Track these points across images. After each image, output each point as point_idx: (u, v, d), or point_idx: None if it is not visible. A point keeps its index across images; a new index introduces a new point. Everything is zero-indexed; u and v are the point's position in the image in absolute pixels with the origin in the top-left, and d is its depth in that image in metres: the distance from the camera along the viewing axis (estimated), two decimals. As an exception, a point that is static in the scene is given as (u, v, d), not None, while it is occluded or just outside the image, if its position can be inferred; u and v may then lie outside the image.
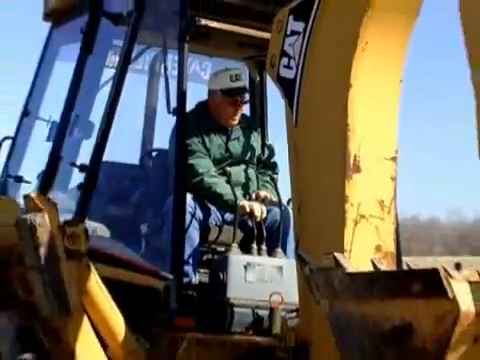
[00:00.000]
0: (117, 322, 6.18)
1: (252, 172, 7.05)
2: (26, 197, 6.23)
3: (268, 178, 7.08)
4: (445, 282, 4.07)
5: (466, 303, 4.01)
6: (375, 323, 4.39)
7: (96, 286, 6.14)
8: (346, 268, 4.78)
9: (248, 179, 6.99)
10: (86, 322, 6.08)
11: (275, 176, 7.08)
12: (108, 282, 6.52)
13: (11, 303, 6.49)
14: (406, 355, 4.23)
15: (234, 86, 7.08)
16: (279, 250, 6.67)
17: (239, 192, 6.83)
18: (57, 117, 7.50)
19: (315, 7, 5.53)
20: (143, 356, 6.29)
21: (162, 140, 7.57)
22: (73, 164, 7.33)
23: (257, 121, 7.74)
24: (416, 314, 4.21)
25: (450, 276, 4.08)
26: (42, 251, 5.80)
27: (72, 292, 5.96)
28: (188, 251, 6.56)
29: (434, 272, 4.13)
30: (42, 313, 6.08)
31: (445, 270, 4.10)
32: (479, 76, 4.50)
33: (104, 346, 6.19)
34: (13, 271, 6.22)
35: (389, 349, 4.31)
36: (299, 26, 5.68)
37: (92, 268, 6.17)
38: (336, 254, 4.88)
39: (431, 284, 4.13)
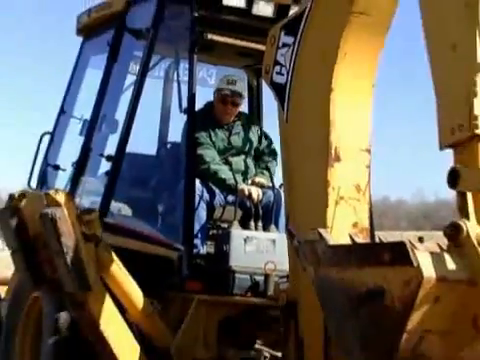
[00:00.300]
0: (134, 292, 6.25)
1: (250, 161, 7.07)
2: (47, 194, 6.33)
3: (264, 166, 7.09)
4: (410, 252, 4.12)
5: (428, 270, 4.05)
6: (352, 286, 4.42)
7: (114, 263, 6.21)
8: (328, 241, 4.83)
9: (247, 167, 7.02)
10: (105, 294, 6.17)
11: (270, 165, 7.13)
12: (130, 253, 6.60)
13: (43, 281, 6.56)
14: (378, 313, 4.24)
15: (226, 87, 7.10)
16: (273, 226, 6.71)
17: (239, 178, 6.86)
18: (88, 115, 7.55)
19: (302, 24, 5.58)
20: (158, 319, 6.36)
21: (175, 134, 7.60)
22: (101, 155, 7.39)
23: (255, 118, 7.76)
24: (386, 279, 4.25)
25: (415, 247, 4.13)
26: (63, 239, 5.91)
27: (91, 271, 6.05)
28: (197, 227, 6.60)
29: (401, 244, 4.19)
30: (66, 289, 6.17)
31: (410, 243, 4.15)
32: (437, 75, 4.59)
33: (123, 313, 6.27)
34: (41, 254, 6.29)
35: (364, 308, 4.34)
36: (289, 40, 5.72)
37: (109, 249, 6.26)
38: (320, 229, 4.92)
39: (399, 254, 4.18)
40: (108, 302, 6.17)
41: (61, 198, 6.21)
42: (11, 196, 6.48)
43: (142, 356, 6.20)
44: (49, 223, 6.04)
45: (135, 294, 6.27)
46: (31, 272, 6.58)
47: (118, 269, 6.22)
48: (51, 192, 6.35)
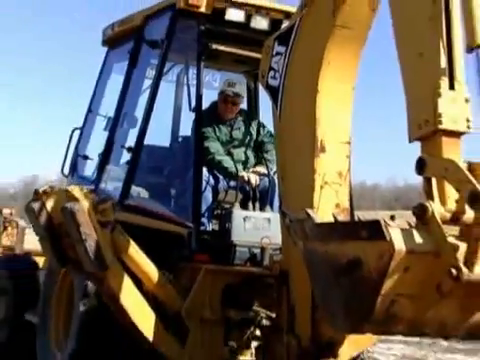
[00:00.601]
0: (147, 266, 6.27)
1: (249, 152, 7.08)
2: (66, 191, 6.41)
3: (261, 156, 7.09)
4: (384, 229, 4.12)
5: (399, 244, 4.05)
6: (335, 258, 4.42)
7: (129, 244, 6.23)
8: (315, 219, 4.83)
9: (246, 157, 7.03)
10: (122, 271, 6.19)
11: (266, 155, 7.11)
12: (147, 230, 6.64)
13: (68, 262, 6.59)
14: (356, 281, 4.24)
15: (228, 89, 7.10)
16: (268, 207, 6.73)
17: (240, 166, 6.87)
18: (111, 113, 7.56)
19: (293, 36, 5.57)
20: (170, 287, 6.37)
21: (185, 129, 7.62)
22: (123, 147, 7.41)
23: (253, 115, 7.76)
24: (364, 252, 4.25)
25: (387, 225, 4.13)
26: (81, 228, 5.96)
27: (107, 253, 6.08)
28: (204, 207, 6.63)
29: (376, 222, 4.19)
30: (87, 270, 6.20)
31: (384, 221, 4.16)
32: (407, 79, 4.60)
33: (140, 285, 6.28)
34: (64, 241, 6.32)
35: (345, 277, 4.34)
36: (282, 49, 5.72)
37: (124, 233, 6.28)
38: (308, 209, 4.92)
39: (374, 230, 4.18)
40: (125, 278, 6.18)
41: (78, 194, 6.32)
42: (36, 191, 6.70)
43: (157, 322, 6.21)
44: (69, 216, 6.10)
45: (149, 268, 6.28)
46: (57, 256, 6.63)
47: (133, 249, 6.24)
48: (70, 188, 6.48)
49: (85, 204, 6.18)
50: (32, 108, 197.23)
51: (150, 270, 6.29)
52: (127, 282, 6.18)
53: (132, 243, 6.26)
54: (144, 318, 6.18)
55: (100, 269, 6.05)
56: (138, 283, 6.28)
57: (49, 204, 6.51)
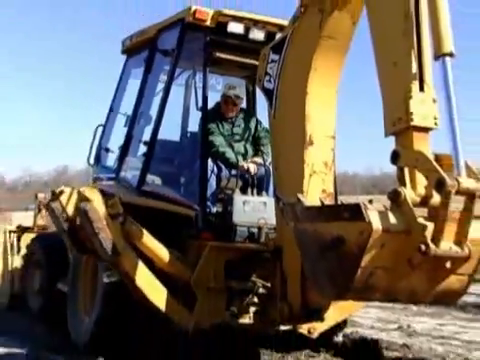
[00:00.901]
0: (158, 248, 6.25)
1: (248, 145, 7.05)
2: (79, 192, 6.45)
3: (259, 149, 7.08)
4: (363, 211, 4.13)
5: (376, 223, 4.06)
6: (322, 236, 4.42)
7: (140, 231, 6.23)
8: (304, 203, 4.83)
9: (246, 149, 7.02)
10: (134, 256, 6.17)
11: (263, 148, 7.09)
12: (160, 212, 6.62)
13: (86, 251, 6.62)
14: (340, 256, 4.24)
15: (228, 91, 7.07)
16: (264, 192, 6.69)
17: (240, 157, 6.86)
18: (130, 112, 7.53)
19: (285, 46, 5.56)
20: (179, 263, 6.34)
21: (193, 126, 7.59)
22: (139, 141, 7.40)
23: (251, 113, 7.75)
24: (346, 230, 4.26)
25: (366, 207, 4.14)
26: (94, 224, 5.98)
27: (118, 241, 6.08)
28: (209, 193, 6.60)
29: (357, 205, 4.21)
30: (102, 258, 6.23)
31: (363, 204, 4.18)
32: (383, 83, 4.59)
33: (152, 264, 6.27)
34: (81, 234, 6.34)
35: (330, 252, 4.34)
36: (276, 57, 5.70)
37: (135, 222, 6.27)
38: (298, 195, 4.92)
39: (355, 212, 4.19)
40: (136, 261, 6.16)
41: (89, 194, 6.34)
42: (53, 192, 6.73)
43: (168, 295, 6.20)
44: (83, 214, 6.12)
45: (159, 249, 6.26)
46: (77, 247, 6.67)
47: (144, 234, 6.21)
48: (82, 190, 6.50)
49: (96, 202, 6.21)
50: (63, 106, 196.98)
51: (160, 251, 6.27)
52: (139, 264, 6.16)
53: (142, 229, 6.25)
54: (156, 293, 6.17)
55: (113, 257, 6.06)
56: (150, 263, 6.26)
57: (65, 203, 6.55)
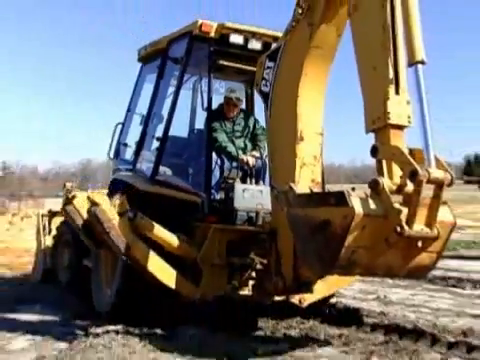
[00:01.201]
0: (166, 235, 6.20)
1: (247, 141, 6.99)
2: (89, 197, 6.47)
3: (256, 144, 7.02)
4: (347, 197, 4.17)
5: (358, 208, 4.11)
6: (311, 220, 4.46)
7: (149, 224, 6.19)
8: (296, 191, 4.85)
9: (245, 145, 6.96)
10: (143, 246, 6.12)
11: (260, 143, 7.02)
12: (171, 199, 6.59)
13: (102, 246, 6.64)
14: (327, 237, 4.29)
15: (229, 94, 6.99)
16: (261, 182, 6.64)
17: (240, 152, 6.83)
18: (144, 112, 7.48)
19: (279, 54, 5.54)
20: (186, 245, 6.27)
21: (199, 124, 7.56)
22: (153, 137, 7.37)
23: (250, 113, 7.69)
24: (332, 215, 4.27)
25: (350, 194, 4.18)
26: (104, 224, 6.04)
27: (127, 236, 6.09)
28: (213, 182, 6.55)
29: (341, 192, 4.23)
30: (115, 251, 6.23)
31: (347, 191, 4.20)
32: (364, 86, 4.57)
33: (162, 252, 6.19)
34: (96, 231, 6.32)
35: (318, 234, 4.37)
36: (271, 64, 5.68)
37: (144, 216, 6.22)
38: (291, 184, 4.96)
39: (340, 199, 4.22)
40: (147, 250, 6.09)
41: (97, 198, 6.31)
42: (67, 197, 6.94)
43: (177, 275, 6.15)
44: (94, 216, 6.14)
45: (168, 236, 6.21)
46: (92, 242, 6.69)
47: (153, 226, 6.16)
48: (91, 195, 6.49)
49: (104, 205, 6.22)
50: (87, 107, 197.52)
51: (169, 237, 6.22)
52: (149, 253, 6.10)
53: (151, 222, 6.21)
54: (167, 276, 6.12)
55: (125, 250, 6.05)
56: (160, 249, 6.20)
57: (79, 206, 6.66)
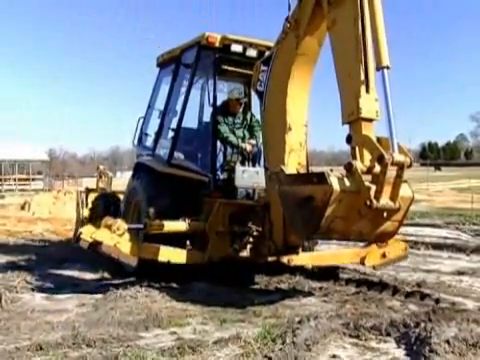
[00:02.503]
0: (176, 225, 6.07)
1: (245, 132, 6.92)
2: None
3: (253, 134, 6.94)
4: (327, 177, 4.18)
5: (336, 186, 4.13)
6: (298, 195, 4.47)
7: (160, 223, 5.95)
8: (285, 171, 4.87)
9: (244, 134, 6.90)
10: (151, 246, 5.86)
11: (256, 133, 6.97)
12: (184, 178, 6.58)
13: None
14: (310, 209, 4.30)
15: (234, 95, 6.94)
16: (257, 165, 6.65)
17: (240, 140, 6.78)
18: (162, 107, 7.42)
19: (272, 60, 5.51)
20: (193, 224, 6.13)
21: (206, 118, 7.47)
22: (169, 128, 7.34)
23: (248, 109, 7.62)
24: (315, 191, 4.28)
25: (329, 174, 4.19)
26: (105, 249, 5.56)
27: (134, 246, 5.74)
28: (218, 165, 6.56)
29: (322, 173, 4.24)
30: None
31: (327, 172, 4.21)
32: (341, 88, 4.54)
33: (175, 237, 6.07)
34: None
35: (304, 206, 4.38)
36: (265, 68, 5.67)
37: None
38: (281, 166, 4.97)
39: (321, 178, 4.23)
40: (155, 249, 5.82)
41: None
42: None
43: (188, 254, 5.98)
44: (94, 247, 5.51)
45: (177, 225, 6.04)
46: None
47: (163, 224, 5.91)
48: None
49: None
50: (118, 102, 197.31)
51: (179, 225, 6.04)
52: (158, 249, 5.80)
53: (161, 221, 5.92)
54: (177, 258, 5.90)
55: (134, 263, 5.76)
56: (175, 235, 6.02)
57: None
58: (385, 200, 4.21)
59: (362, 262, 6.43)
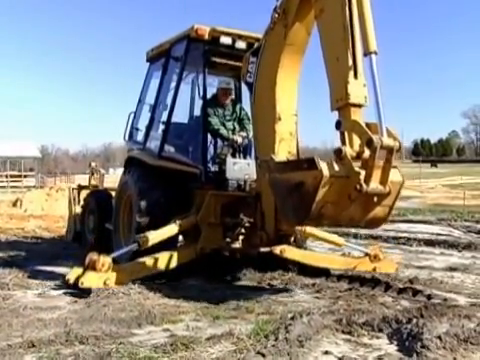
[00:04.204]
0: (168, 231, 5.97)
1: (235, 124, 6.90)
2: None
3: (243, 126, 6.90)
4: (317, 162, 4.17)
5: (325, 171, 4.12)
6: (288, 181, 4.46)
7: (149, 236, 5.82)
8: (275, 159, 4.87)
9: (234, 127, 6.87)
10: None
11: (246, 125, 6.92)
12: (175, 171, 6.56)
13: None
14: (301, 195, 4.30)
15: (222, 85, 6.94)
16: (248, 156, 6.64)
17: (230, 133, 6.78)
18: (152, 102, 7.39)
19: (261, 52, 5.51)
20: (184, 221, 6.10)
21: (197, 111, 7.44)
22: (159, 121, 7.30)
23: (237, 101, 7.60)
24: (305, 176, 4.28)
25: (318, 160, 4.19)
26: None
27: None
28: (209, 157, 6.53)
29: (312, 158, 4.24)
30: None
31: (316, 157, 4.21)
32: (330, 73, 4.54)
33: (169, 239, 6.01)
34: None
35: (294, 192, 4.38)
36: (254, 59, 5.64)
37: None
38: (271, 154, 4.97)
39: (311, 164, 4.22)
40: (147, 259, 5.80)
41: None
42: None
43: (179, 254, 5.98)
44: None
45: (168, 230, 5.95)
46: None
47: (154, 235, 5.83)
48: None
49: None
50: (110, 99, 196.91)
51: (170, 229, 5.97)
52: (146, 261, 5.79)
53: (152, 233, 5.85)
54: (170, 261, 5.87)
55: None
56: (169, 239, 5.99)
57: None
58: (375, 184, 4.21)
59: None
